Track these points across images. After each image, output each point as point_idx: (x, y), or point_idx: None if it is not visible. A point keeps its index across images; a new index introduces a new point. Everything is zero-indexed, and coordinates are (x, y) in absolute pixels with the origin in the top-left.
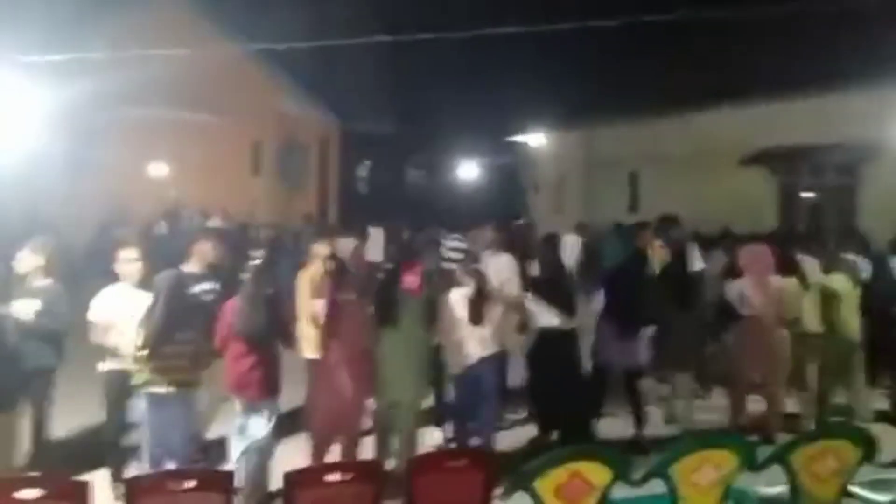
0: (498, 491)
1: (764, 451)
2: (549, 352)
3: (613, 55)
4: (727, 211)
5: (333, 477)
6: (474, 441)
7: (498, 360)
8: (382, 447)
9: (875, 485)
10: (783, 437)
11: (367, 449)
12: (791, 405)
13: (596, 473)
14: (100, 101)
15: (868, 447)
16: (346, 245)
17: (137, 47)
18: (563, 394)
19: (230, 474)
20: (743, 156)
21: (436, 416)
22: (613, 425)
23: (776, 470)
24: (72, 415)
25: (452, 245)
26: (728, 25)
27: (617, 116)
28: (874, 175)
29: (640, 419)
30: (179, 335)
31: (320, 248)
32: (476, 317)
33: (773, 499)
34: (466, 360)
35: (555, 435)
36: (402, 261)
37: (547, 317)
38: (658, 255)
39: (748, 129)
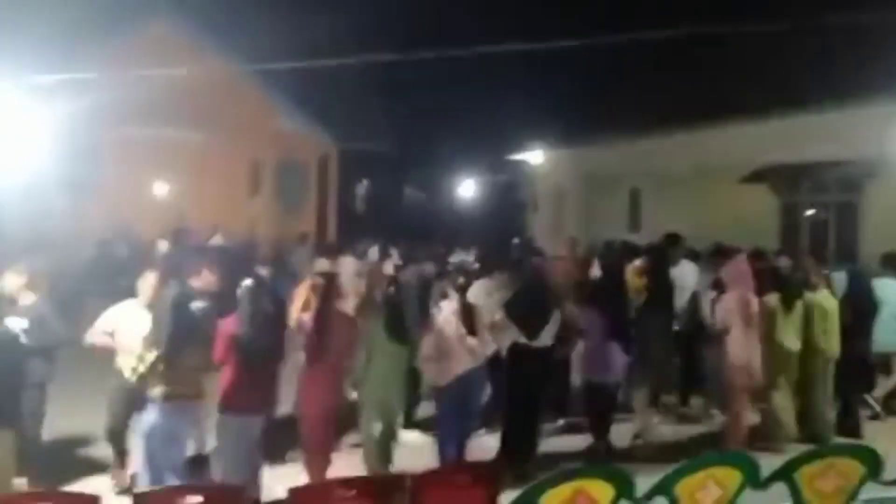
0: None
1: (768, 468)
2: (520, 368)
3: (613, 73)
4: (728, 228)
5: (342, 493)
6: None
7: (482, 376)
8: (373, 461)
9: (879, 502)
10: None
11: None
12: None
13: (600, 490)
14: (99, 121)
15: (873, 464)
16: (347, 262)
17: (137, 68)
18: (530, 410)
19: (240, 489)
20: (744, 173)
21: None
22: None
23: (780, 487)
24: (69, 427)
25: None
26: (729, 42)
27: (616, 134)
28: (877, 191)
29: (603, 430)
30: (190, 348)
31: (322, 265)
32: (470, 326)
33: None
34: (455, 373)
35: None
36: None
37: (515, 334)
38: (635, 281)
39: (750, 146)
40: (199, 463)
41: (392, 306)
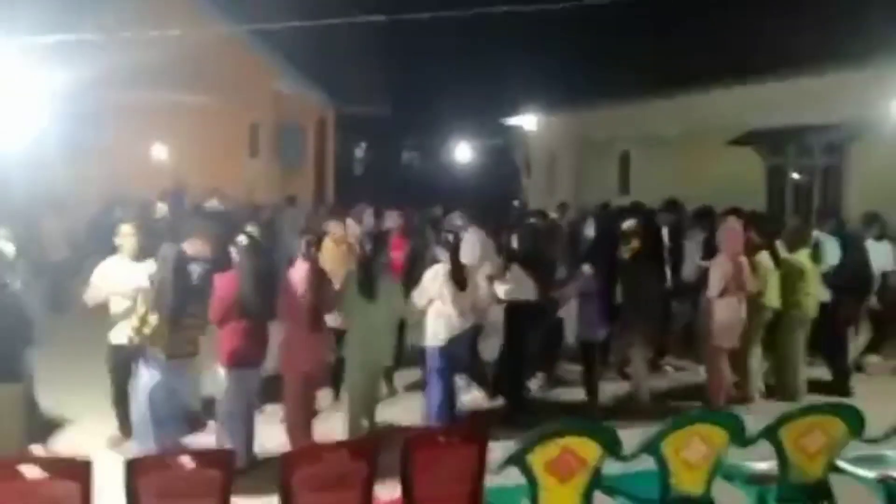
0: (490, 465)
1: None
2: (520, 325)
3: (604, 36)
4: (716, 191)
5: (329, 456)
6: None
7: (471, 333)
8: (354, 420)
9: (862, 460)
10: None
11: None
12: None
13: (586, 449)
14: (99, 83)
15: (856, 423)
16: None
17: (135, 29)
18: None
19: (231, 452)
20: (731, 136)
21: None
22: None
23: (765, 445)
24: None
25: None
26: (718, 5)
27: (607, 98)
28: (861, 155)
29: (593, 389)
30: (190, 307)
31: (334, 227)
32: (461, 283)
33: (761, 474)
34: (447, 333)
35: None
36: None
37: (522, 290)
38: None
39: (737, 110)
40: (191, 420)
41: (362, 264)
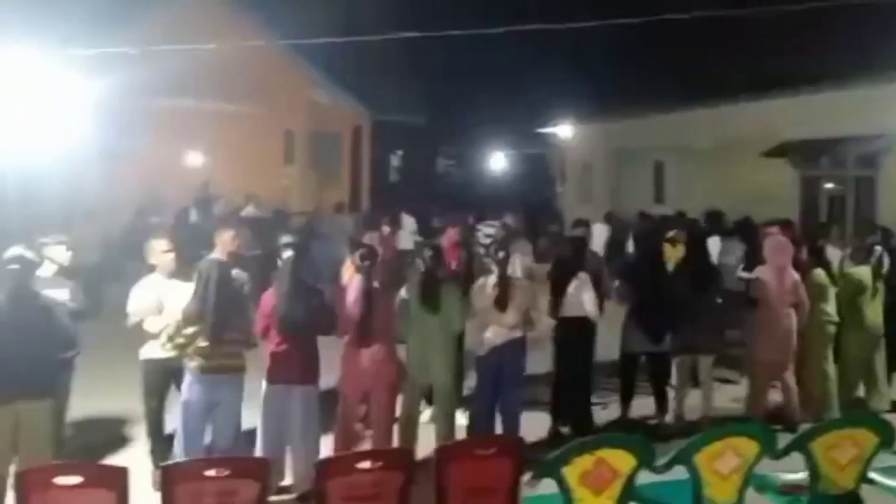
0: (525, 478)
1: (785, 439)
2: (569, 340)
3: (639, 47)
4: (749, 202)
5: (363, 465)
6: (497, 427)
7: (520, 347)
8: (407, 434)
9: (893, 471)
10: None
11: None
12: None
13: (621, 460)
14: (137, 93)
15: (886, 434)
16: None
17: (174, 41)
18: (579, 382)
19: (265, 462)
20: (765, 148)
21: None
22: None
23: (796, 457)
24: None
25: (486, 231)
26: (752, 19)
27: (642, 108)
28: (894, 166)
29: (662, 405)
30: (232, 321)
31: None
32: (501, 302)
33: (793, 485)
34: (489, 345)
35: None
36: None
37: (575, 305)
38: (672, 252)
39: (771, 122)
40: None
41: (426, 275)
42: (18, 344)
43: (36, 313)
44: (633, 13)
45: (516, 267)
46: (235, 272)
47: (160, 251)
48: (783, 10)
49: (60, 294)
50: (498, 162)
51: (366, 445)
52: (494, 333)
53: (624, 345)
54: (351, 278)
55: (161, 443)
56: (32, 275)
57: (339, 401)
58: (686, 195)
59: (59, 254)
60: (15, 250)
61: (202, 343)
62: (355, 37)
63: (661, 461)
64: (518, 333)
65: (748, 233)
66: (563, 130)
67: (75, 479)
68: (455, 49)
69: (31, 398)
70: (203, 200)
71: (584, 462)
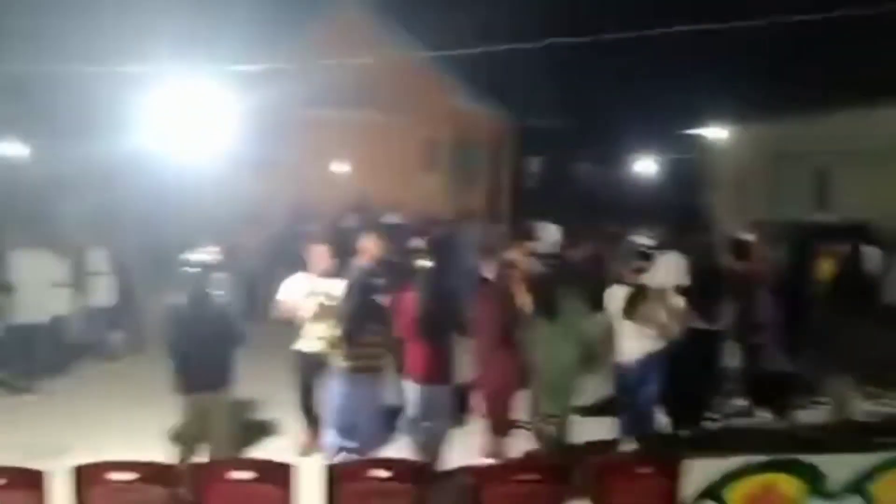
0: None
1: None
2: (692, 352)
3: (797, 46)
4: None
5: (522, 476)
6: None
7: (657, 357)
8: (539, 434)
9: None
10: None
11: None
12: None
13: (790, 486)
14: (287, 104)
15: None
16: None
17: (325, 56)
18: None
19: (427, 465)
20: None
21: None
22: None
23: None
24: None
25: (629, 238)
26: None
27: (801, 109)
28: None
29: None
30: (372, 324)
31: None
32: (630, 313)
33: None
34: (623, 356)
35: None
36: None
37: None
38: (824, 267)
39: None
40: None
41: (547, 285)
42: (201, 340)
43: (213, 312)
44: (798, 9)
45: (662, 275)
46: (376, 278)
47: (319, 255)
48: None
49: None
50: (643, 166)
51: (507, 445)
52: (629, 342)
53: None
54: (489, 283)
55: (313, 427)
56: (210, 277)
57: (472, 400)
58: (852, 202)
59: (214, 258)
60: (195, 255)
61: (345, 343)
62: (499, 45)
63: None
64: (654, 342)
65: None
66: (715, 133)
67: (248, 475)
68: (598, 52)
69: (213, 390)
70: (357, 208)
71: (751, 485)
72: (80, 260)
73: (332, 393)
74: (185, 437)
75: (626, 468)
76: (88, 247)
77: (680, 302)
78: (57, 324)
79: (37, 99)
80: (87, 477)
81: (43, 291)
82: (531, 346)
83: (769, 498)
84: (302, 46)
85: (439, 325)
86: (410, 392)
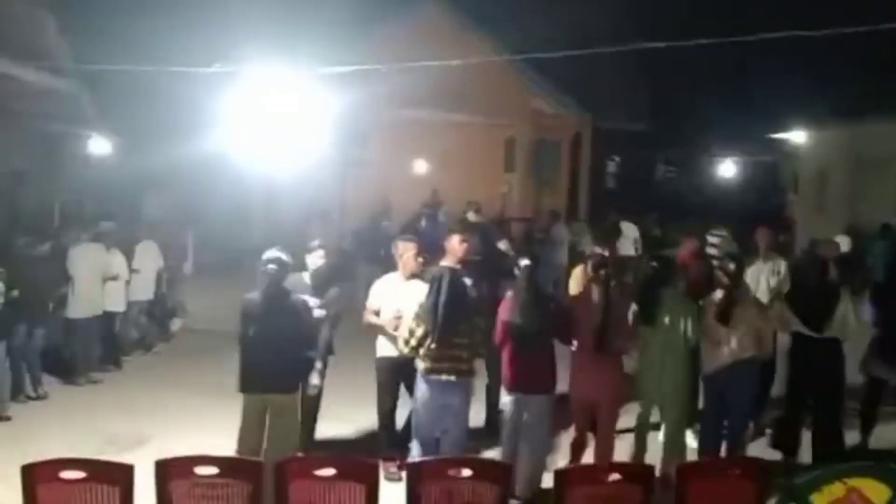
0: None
1: None
2: (802, 360)
3: (878, 47)
4: None
5: (607, 477)
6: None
7: (750, 367)
8: (639, 447)
9: None
10: None
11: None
12: None
13: (875, 491)
14: (372, 105)
15: None
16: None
17: (408, 57)
18: (814, 404)
19: (508, 467)
20: None
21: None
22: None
23: None
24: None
25: (714, 241)
26: None
27: (885, 112)
28: None
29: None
30: (460, 328)
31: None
32: (723, 317)
33: None
34: (715, 363)
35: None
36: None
37: (798, 325)
38: None
39: None
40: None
41: (644, 289)
42: (272, 340)
43: (288, 312)
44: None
45: (760, 282)
46: (464, 279)
47: (407, 253)
48: None
49: (312, 301)
50: (723, 169)
51: (589, 453)
52: (720, 351)
53: (869, 369)
54: (585, 288)
55: (392, 436)
56: (286, 276)
57: (568, 409)
58: None
59: (317, 260)
60: (272, 252)
61: (432, 346)
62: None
63: None
64: (747, 353)
65: None
66: (796, 136)
67: (331, 472)
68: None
69: (280, 391)
70: (432, 207)
71: (835, 490)
72: (164, 252)
73: (417, 398)
74: (245, 439)
75: (709, 470)
76: (169, 242)
77: (781, 308)
78: (129, 312)
79: (125, 99)
80: (171, 471)
81: (99, 285)
82: (635, 353)
83: (852, 500)
84: (387, 48)
85: (538, 329)
86: (507, 402)
